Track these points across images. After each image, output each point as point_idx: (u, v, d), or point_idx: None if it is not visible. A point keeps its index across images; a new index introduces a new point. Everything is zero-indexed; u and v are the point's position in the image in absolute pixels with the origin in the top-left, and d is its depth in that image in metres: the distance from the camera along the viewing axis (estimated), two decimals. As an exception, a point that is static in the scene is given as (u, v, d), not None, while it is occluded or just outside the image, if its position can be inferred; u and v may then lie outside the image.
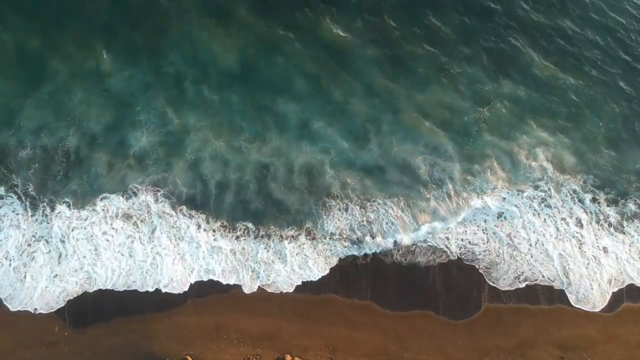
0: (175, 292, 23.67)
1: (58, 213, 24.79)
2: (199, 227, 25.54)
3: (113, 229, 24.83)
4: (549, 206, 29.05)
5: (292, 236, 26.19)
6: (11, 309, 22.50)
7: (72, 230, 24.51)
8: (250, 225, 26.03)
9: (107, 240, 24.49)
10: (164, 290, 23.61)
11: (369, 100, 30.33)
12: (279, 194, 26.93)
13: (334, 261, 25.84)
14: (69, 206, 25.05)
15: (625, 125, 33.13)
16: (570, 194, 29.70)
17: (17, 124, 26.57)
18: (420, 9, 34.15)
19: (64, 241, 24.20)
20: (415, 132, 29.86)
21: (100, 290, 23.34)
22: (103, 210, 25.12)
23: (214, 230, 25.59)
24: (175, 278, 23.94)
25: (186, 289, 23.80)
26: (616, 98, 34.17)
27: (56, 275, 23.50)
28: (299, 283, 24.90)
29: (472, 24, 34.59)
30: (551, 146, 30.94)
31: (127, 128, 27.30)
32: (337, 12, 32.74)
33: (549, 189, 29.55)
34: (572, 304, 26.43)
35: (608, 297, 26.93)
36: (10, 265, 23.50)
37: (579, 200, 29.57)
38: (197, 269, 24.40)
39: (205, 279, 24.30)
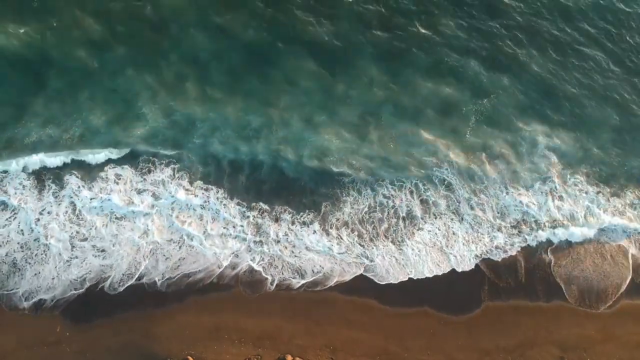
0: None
1: (67, 184, 24.81)
2: (221, 203, 25.89)
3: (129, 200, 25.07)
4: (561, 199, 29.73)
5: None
6: (20, 305, 22.50)
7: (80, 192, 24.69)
8: (312, 214, 26.54)
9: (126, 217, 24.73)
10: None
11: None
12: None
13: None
14: (78, 178, 25.13)
15: (628, 119, 33.37)
16: (575, 186, 30.32)
17: (24, 118, 26.17)
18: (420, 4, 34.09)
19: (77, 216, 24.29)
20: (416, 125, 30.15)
21: (101, 289, 23.37)
22: (115, 182, 25.25)
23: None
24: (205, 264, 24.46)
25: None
26: (619, 91, 34.30)
27: (75, 257, 23.54)
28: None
29: (474, 18, 34.51)
30: (554, 139, 31.14)
31: (131, 119, 27.13)
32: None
33: (555, 181, 29.98)
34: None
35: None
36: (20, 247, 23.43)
37: (585, 193, 30.17)
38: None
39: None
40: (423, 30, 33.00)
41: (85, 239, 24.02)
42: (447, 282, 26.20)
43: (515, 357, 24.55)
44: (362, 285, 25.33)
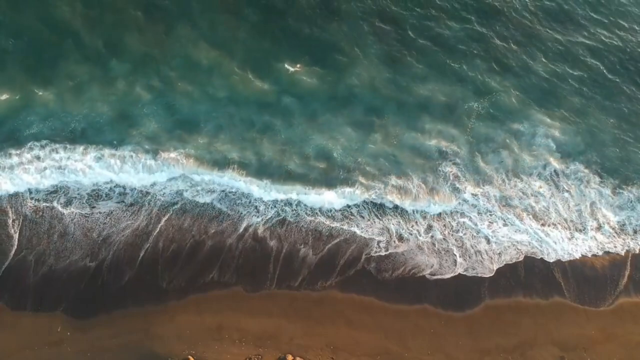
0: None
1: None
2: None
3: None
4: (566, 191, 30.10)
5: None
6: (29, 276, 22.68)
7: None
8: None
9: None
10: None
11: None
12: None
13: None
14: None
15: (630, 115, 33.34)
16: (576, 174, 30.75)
17: (26, 117, 25.65)
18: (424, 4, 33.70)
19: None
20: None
21: (101, 288, 23.33)
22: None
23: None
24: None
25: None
26: (621, 89, 34.22)
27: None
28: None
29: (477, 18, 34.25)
30: (555, 131, 31.28)
31: (135, 119, 26.74)
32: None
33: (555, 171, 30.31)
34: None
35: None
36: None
37: (587, 182, 30.50)
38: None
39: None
40: (425, 32, 32.73)
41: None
42: (447, 279, 26.19)
43: (516, 356, 24.64)
44: (361, 283, 25.33)
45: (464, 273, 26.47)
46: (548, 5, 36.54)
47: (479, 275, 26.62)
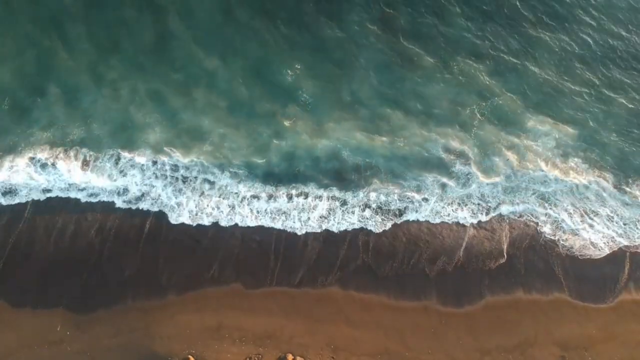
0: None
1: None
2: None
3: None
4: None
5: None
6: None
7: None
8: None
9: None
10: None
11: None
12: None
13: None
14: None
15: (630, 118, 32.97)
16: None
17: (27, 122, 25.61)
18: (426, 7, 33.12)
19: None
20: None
21: (101, 287, 23.27)
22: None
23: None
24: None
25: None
26: (621, 89, 33.89)
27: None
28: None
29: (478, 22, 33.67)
30: (558, 133, 31.06)
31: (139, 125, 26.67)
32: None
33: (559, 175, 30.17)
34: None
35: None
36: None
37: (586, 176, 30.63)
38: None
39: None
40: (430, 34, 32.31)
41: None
42: (447, 276, 26.13)
43: (516, 355, 24.65)
44: (361, 280, 25.30)
45: (469, 265, 26.43)
46: (550, 9, 36.02)
47: (488, 250, 26.88)
